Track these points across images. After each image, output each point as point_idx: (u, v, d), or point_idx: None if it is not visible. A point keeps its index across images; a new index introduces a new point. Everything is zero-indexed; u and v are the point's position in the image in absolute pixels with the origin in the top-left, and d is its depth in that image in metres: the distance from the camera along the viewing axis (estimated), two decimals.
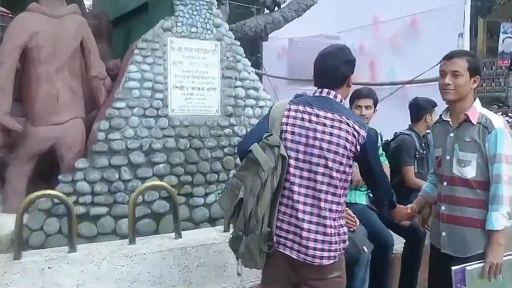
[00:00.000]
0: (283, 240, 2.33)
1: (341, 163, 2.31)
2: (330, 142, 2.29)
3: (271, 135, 2.35)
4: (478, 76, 2.64)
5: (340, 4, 9.93)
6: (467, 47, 6.98)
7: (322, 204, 2.30)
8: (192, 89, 4.71)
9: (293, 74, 10.85)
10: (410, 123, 4.42)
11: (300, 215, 2.30)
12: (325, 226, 2.30)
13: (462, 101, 2.66)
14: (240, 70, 4.96)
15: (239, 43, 5.01)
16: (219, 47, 4.83)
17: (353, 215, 3.27)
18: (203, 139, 4.67)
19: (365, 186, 3.86)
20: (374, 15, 9.22)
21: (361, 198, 3.85)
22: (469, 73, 2.61)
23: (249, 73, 5.02)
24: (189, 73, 4.68)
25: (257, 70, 14.25)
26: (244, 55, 5.05)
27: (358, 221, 3.26)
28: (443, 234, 2.73)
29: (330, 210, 2.32)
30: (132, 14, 5.77)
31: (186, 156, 4.58)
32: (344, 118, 2.32)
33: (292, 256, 2.31)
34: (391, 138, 4.46)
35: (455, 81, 2.62)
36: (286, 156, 2.31)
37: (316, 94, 2.49)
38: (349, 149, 2.31)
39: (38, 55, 4.14)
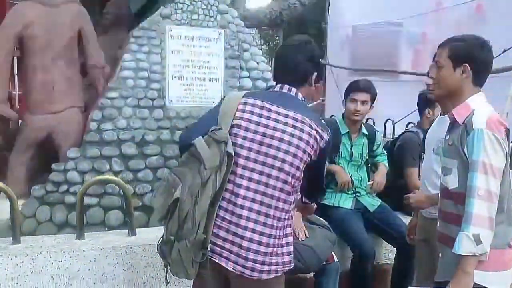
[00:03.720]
0: (218, 249, 2.05)
1: (298, 168, 2.05)
2: (289, 144, 2.03)
3: (220, 129, 2.07)
4: (466, 64, 2.09)
5: None
6: None
7: (271, 212, 2.03)
8: (192, 80, 4.52)
9: (356, 64, 10.28)
10: (419, 119, 3.92)
11: (243, 222, 2.01)
12: (269, 236, 2.03)
13: (453, 96, 2.15)
14: (248, 60, 4.68)
15: (248, 31, 4.74)
16: (223, 35, 4.59)
17: (302, 226, 2.94)
18: None
19: (353, 189, 3.49)
20: (438, 0, 8.44)
21: (347, 202, 3.50)
22: (451, 62, 2.13)
23: (257, 63, 4.72)
24: (189, 63, 4.49)
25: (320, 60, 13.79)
26: (255, 44, 4.76)
27: (302, 234, 2.92)
28: (439, 255, 2.28)
29: (278, 219, 2.05)
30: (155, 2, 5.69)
31: None
32: (307, 119, 2.07)
33: (227, 267, 2.04)
34: (397, 136, 3.99)
35: (437, 74, 2.19)
36: (233, 154, 2.02)
37: (276, 90, 2.21)
38: (308, 154, 2.06)
39: (33, 44, 4.18)
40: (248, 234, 2.00)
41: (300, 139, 2.03)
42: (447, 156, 2.16)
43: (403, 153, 3.71)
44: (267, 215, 2.02)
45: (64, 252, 2.93)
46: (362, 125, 3.58)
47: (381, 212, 3.49)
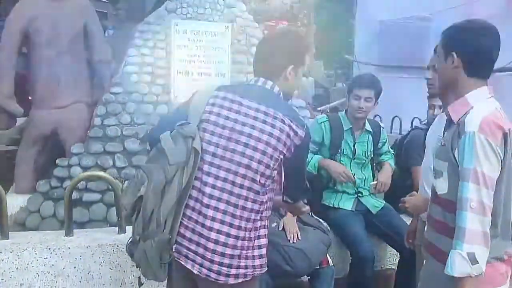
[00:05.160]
0: (185, 250, 1.94)
1: (267, 166, 1.89)
2: (258, 140, 1.88)
3: (188, 123, 1.95)
4: (453, 53, 1.81)
5: None
6: None
7: (238, 212, 1.89)
8: (198, 75, 4.43)
9: (383, 60, 9.99)
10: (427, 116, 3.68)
11: (208, 222, 1.89)
12: (236, 237, 1.89)
13: (451, 91, 1.88)
14: None
15: (257, 25, 4.61)
16: (230, 30, 4.47)
17: (295, 228, 2.80)
18: None
19: (355, 189, 3.32)
20: None
21: (347, 203, 3.31)
22: (443, 50, 1.87)
23: None
24: (194, 58, 4.40)
25: (346, 56, 13.53)
26: None
27: (295, 236, 2.78)
28: (423, 263, 2.06)
29: (247, 220, 1.91)
30: None
31: None
32: (280, 114, 1.90)
33: (193, 270, 1.93)
34: (405, 133, 3.78)
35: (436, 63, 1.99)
36: (199, 150, 1.90)
37: (250, 83, 2.08)
38: (280, 151, 1.90)
39: (38, 39, 4.18)
40: (213, 235, 1.88)
41: (270, 135, 1.88)
42: (439, 158, 1.91)
43: (410, 151, 3.49)
44: (233, 215, 1.88)
45: (49, 249, 2.88)
46: (366, 121, 3.39)
47: (385, 214, 3.29)
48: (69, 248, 2.91)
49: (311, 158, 3.21)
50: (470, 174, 1.69)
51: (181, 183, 1.86)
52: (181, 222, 1.92)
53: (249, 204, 1.90)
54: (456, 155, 1.76)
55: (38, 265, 2.86)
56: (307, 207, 2.52)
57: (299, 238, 2.82)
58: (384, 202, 3.39)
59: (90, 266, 2.93)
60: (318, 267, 2.91)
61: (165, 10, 4.32)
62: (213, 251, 1.88)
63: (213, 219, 1.88)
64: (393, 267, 3.50)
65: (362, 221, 3.26)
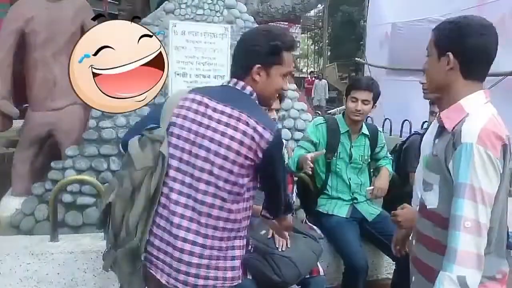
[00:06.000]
0: (154, 259, 1.85)
1: (231, 172, 1.76)
2: (220, 144, 1.77)
3: (157, 127, 1.89)
4: (449, 53, 1.64)
5: None
6: None
7: (203, 220, 1.79)
8: (196, 77, 4.35)
9: (394, 63, 9.82)
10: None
11: (174, 230, 1.80)
12: (203, 246, 1.79)
13: (444, 95, 1.70)
14: None
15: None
16: (229, 31, 4.38)
17: (284, 236, 2.68)
18: None
19: (350, 195, 3.20)
20: None
21: (342, 209, 3.20)
22: (436, 49, 1.69)
23: None
24: (193, 59, 4.32)
25: (357, 58, 13.34)
26: None
27: (283, 243, 2.66)
28: (412, 279, 1.88)
29: (215, 228, 1.80)
30: None
31: None
32: (245, 115, 1.77)
33: (161, 280, 1.84)
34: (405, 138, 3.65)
35: (427, 64, 1.75)
36: (165, 155, 1.83)
37: (224, 84, 1.98)
38: (244, 155, 1.75)
39: (35, 40, 4.14)
40: (179, 243, 1.79)
41: (232, 138, 1.76)
42: (430, 169, 1.74)
43: (408, 156, 3.37)
44: (199, 223, 1.78)
45: (32, 254, 2.82)
46: (363, 125, 3.27)
47: (380, 221, 3.15)
48: (52, 253, 2.84)
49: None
50: (466, 189, 1.51)
51: (149, 189, 1.78)
52: (151, 229, 1.84)
53: (215, 212, 1.78)
54: (450, 168, 1.59)
55: (21, 270, 2.80)
56: (291, 224, 2.43)
57: (288, 246, 2.71)
58: (381, 209, 3.26)
59: (74, 272, 2.86)
60: (309, 276, 2.80)
61: (163, 11, 4.24)
62: (179, 260, 1.79)
63: (178, 226, 1.79)
64: (390, 277, 3.38)
65: (357, 228, 3.14)
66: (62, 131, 4.26)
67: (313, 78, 20.09)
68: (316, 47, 33.91)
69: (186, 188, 1.79)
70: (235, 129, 1.76)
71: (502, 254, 1.68)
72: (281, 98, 2.95)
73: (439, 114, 1.73)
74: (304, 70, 32.23)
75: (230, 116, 1.78)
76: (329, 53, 28.51)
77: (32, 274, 2.81)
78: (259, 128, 1.75)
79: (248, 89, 1.86)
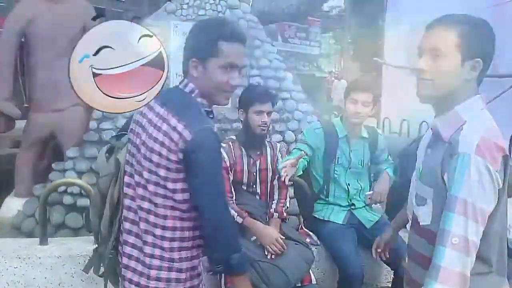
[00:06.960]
0: (124, 268, 1.82)
1: (158, 175, 1.66)
2: (148, 148, 1.69)
3: (123, 134, 1.91)
4: (479, 60, 1.48)
5: None
6: None
7: (142, 226, 1.72)
8: None
9: (413, 63, 9.60)
10: None
11: (125, 236, 1.78)
12: (144, 254, 1.72)
13: (449, 100, 1.53)
14: (259, 58, 4.37)
15: (261, 27, 4.43)
16: None
17: (275, 244, 2.59)
18: None
19: (348, 201, 3.09)
20: None
21: (338, 216, 3.08)
22: (461, 52, 1.49)
23: (270, 61, 4.40)
24: None
25: (376, 58, 13.06)
26: (268, 40, 4.44)
27: (275, 251, 2.58)
28: None
29: (154, 235, 1.69)
30: None
31: None
32: (170, 115, 1.66)
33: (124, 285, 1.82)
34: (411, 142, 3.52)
35: (434, 66, 1.52)
36: (121, 161, 1.83)
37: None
38: (166, 157, 1.62)
39: (36, 41, 4.14)
40: (127, 249, 1.76)
41: (156, 140, 1.66)
42: (423, 181, 1.59)
43: (410, 160, 3.24)
44: (146, 231, 1.72)
45: (20, 258, 2.79)
46: (362, 127, 3.14)
47: (379, 228, 3.01)
48: (39, 257, 2.81)
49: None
50: (457, 203, 1.39)
51: (113, 197, 1.82)
52: (119, 236, 1.84)
53: (151, 218, 1.70)
54: (446, 180, 1.46)
55: (8, 274, 2.77)
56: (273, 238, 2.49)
57: (279, 253, 2.62)
58: (380, 215, 3.14)
59: (61, 277, 2.82)
60: (300, 285, 2.70)
61: (164, 11, 4.20)
62: (126, 266, 1.77)
63: (129, 232, 1.77)
64: (389, 285, 3.25)
65: (354, 235, 3.03)
66: (63, 133, 4.26)
67: (333, 78, 19.81)
68: (338, 46, 33.60)
69: (132, 191, 1.76)
70: (159, 130, 1.66)
71: (503, 273, 1.56)
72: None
73: (433, 121, 1.60)
74: (326, 70, 31.98)
75: (158, 117, 1.70)
76: (351, 53, 28.18)
77: (19, 278, 2.78)
78: (179, 127, 1.61)
79: (190, 86, 1.73)
